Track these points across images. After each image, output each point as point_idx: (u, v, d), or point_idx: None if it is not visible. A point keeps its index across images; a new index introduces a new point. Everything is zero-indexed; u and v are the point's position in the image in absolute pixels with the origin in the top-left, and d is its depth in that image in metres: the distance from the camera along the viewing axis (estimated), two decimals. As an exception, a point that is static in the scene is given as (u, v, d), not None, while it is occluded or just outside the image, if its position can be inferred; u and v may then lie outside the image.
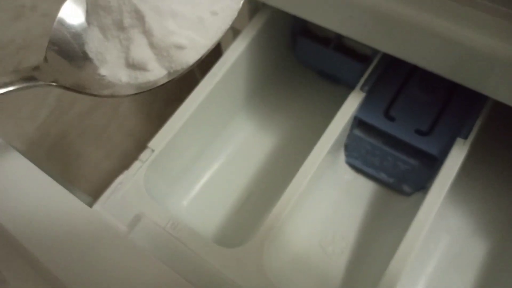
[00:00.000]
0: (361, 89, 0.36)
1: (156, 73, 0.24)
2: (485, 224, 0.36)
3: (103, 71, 0.24)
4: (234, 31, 0.45)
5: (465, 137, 0.33)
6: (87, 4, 0.24)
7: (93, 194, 0.35)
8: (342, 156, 0.40)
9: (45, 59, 0.23)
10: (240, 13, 0.42)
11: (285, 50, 0.48)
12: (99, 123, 0.56)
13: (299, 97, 0.47)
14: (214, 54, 0.49)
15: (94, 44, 0.24)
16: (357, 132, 0.37)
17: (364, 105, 0.36)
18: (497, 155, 0.38)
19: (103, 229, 0.26)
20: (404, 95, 0.37)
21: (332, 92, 0.46)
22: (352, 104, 0.36)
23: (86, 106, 0.53)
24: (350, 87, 0.38)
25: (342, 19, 0.33)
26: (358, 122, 0.37)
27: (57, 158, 0.53)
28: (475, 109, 0.34)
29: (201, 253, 0.31)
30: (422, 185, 0.37)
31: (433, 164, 0.35)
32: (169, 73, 0.24)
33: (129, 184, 0.34)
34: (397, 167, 0.37)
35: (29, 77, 0.22)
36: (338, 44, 0.43)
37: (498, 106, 0.32)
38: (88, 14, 0.24)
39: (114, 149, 0.61)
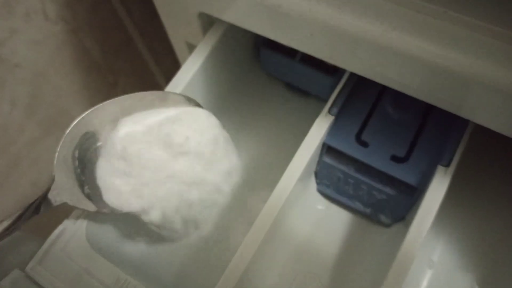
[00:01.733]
0: (329, 112, 0.32)
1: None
2: (470, 257, 0.32)
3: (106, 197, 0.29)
4: (189, 47, 0.41)
5: (447, 165, 0.29)
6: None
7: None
8: (313, 184, 0.36)
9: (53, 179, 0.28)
10: (193, 27, 0.37)
11: (250, 62, 0.44)
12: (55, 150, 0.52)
13: (267, 113, 0.43)
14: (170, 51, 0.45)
15: (102, 173, 0.29)
16: (327, 159, 0.33)
17: (333, 130, 0.32)
18: (481, 181, 0.35)
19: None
20: (377, 116, 0.33)
21: (303, 106, 0.42)
22: (319, 129, 0.32)
23: (38, 132, 0.48)
24: (321, 100, 0.34)
25: (303, 37, 0.29)
26: (327, 148, 0.33)
27: (8, 191, 0.49)
28: (456, 130, 0.30)
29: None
30: (401, 215, 0.33)
31: (412, 193, 0.31)
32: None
33: (69, 236, 0.30)
34: (372, 196, 0.33)
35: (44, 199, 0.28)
36: (306, 55, 0.38)
37: (480, 128, 0.28)
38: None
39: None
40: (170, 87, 0.35)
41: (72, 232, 0.30)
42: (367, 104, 0.33)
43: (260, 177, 0.39)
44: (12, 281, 0.29)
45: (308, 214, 0.35)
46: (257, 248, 0.29)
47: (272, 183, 0.31)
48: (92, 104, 0.56)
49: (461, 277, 0.32)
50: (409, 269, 0.27)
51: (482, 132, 0.31)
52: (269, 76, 0.44)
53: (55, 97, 0.49)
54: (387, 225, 0.34)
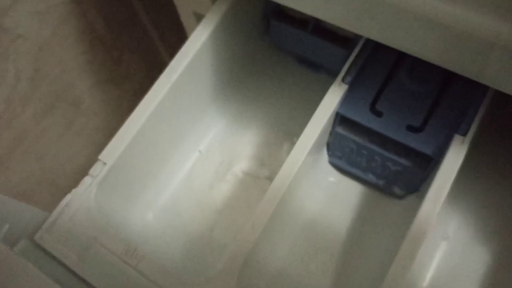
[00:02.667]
0: (343, 80, 0.31)
1: None
2: (486, 230, 0.32)
3: None
4: (197, 17, 0.40)
5: (464, 134, 0.28)
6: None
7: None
8: (324, 156, 0.35)
9: None
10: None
11: (259, 34, 0.42)
12: (59, 124, 0.51)
13: (277, 88, 0.42)
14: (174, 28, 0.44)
15: None
16: (340, 129, 0.32)
17: (347, 99, 0.31)
18: (498, 153, 0.34)
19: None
20: (392, 86, 0.32)
21: (313, 81, 0.41)
22: (332, 99, 0.31)
23: (41, 107, 0.48)
24: (332, 75, 0.33)
25: (318, 2, 0.28)
26: (340, 119, 0.32)
27: (13, 165, 0.48)
28: (474, 100, 0.29)
29: (162, 284, 0.27)
30: (415, 187, 0.32)
31: (427, 164, 0.30)
32: None
33: (78, 206, 0.29)
34: (386, 168, 0.32)
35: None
36: (317, 27, 0.37)
37: (500, 96, 0.27)
38: None
39: (79, 151, 0.56)
40: (177, 58, 0.34)
41: (80, 202, 0.29)
42: (381, 74, 0.32)
43: (268, 153, 0.38)
44: (22, 249, 0.28)
45: (319, 186, 0.35)
46: (267, 220, 0.28)
47: (282, 157, 0.30)
48: (97, 80, 0.55)
49: (476, 251, 0.31)
50: (423, 242, 0.26)
51: (500, 103, 0.30)
52: (279, 50, 0.43)
53: (59, 71, 0.48)
54: (400, 197, 0.33)
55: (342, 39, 0.37)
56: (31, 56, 0.44)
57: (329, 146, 0.34)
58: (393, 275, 0.26)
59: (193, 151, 0.39)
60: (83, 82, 0.52)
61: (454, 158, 0.28)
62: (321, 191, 0.34)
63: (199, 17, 0.39)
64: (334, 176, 0.35)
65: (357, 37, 0.34)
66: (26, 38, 0.42)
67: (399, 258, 0.26)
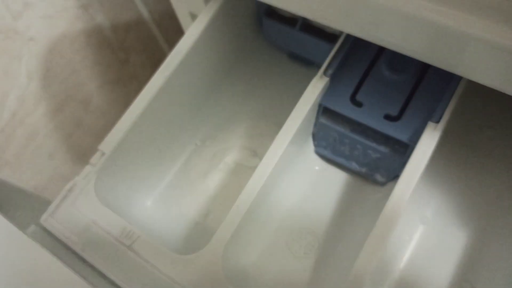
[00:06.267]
0: (324, 73, 0.33)
1: None
2: (462, 213, 0.33)
3: None
4: (192, 17, 0.42)
5: (437, 121, 0.30)
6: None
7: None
8: (311, 146, 0.37)
9: None
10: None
11: (252, 32, 0.45)
12: (69, 122, 0.54)
13: (269, 82, 0.44)
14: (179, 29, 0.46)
15: None
16: (323, 120, 0.34)
17: (329, 91, 0.33)
18: (473, 137, 0.35)
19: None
20: (371, 78, 0.34)
21: (304, 76, 0.43)
22: (314, 91, 0.33)
23: (52, 106, 0.51)
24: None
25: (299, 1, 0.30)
26: (323, 109, 0.34)
27: (26, 161, 0.51)
28: (448, 90, 0.31)
29: (155, 263, 0.29)
30: (395, 174, 0.34)
31: (405, 151, 0.32)
32: None
33: (78, 191, 0.32)
34: (367, 155, 0.34)
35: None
36: (305, 24, 0.39)
37: (472, 85, 0.29)
38: None
39: (89, 149, 0.59)
40: (174, 53, 0.36)
41: (81, 187, 0.32)
42: (362, 67, 0.34)
43: (260, 143, 0.40)
44: (32, 232, 0.31)
45: (305, 174, 0.36)
46: (252, 203, 0.30)
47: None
48: (105, 80, 0.58)
49: (454, 233, 0.33)
50: (396, 222, 0.28)
51: (473, 92, 0.32)
52: (271, 47, 0.45)
53: (69, 72, 0.51)
54: (382, 184, 0.35)
55: (329, 36, 0.39)
56: (42, 57, 0.47)
57: (314, 136, 0.36)
58: (366, 254, 0.27)
59: (189, 144, 0.41)
60: (91, 82, 0.55)
61: (427, 143, 0.29)
62: (307, 179, 0.36)
63: (194, 17, 0.41)
64: (319, 165, 0.37)
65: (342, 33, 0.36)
66: (38, 40, 0.46)
67: (372, 238, 0.28)
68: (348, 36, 0.34)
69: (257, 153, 0.40)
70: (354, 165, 0.35)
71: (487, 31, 0.23)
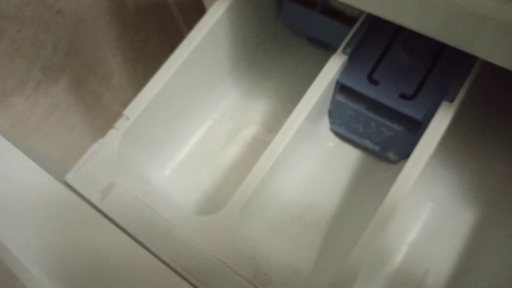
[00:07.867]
0: (343, 52, 0.34)
1: None
2: (471, 191, 0.34)
3: None
4: (216, -4, 0.43)
5: (451, 100, 0.31)
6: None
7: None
8: (326, 123, 0.38)
9: None
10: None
11: (272, 14, 0.46)
12: (89, 97, 0.56)
13: (288, 64, 0.45)
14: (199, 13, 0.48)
15: None
16: (340, 97, 0.35)
17: (346, 69, 0.34)
18: (486, 119, 0.36)
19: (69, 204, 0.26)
20: (388, 58, 0.35)
21: (322, 58, 0.44)
22: (332, 68, 0.34)
23: (74, 79, 0.52)
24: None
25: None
26: (340, 87, 0.35)
27: (46, 132, 0.53)
28: (463, 70, 0.32)
29: (172, 221, 0.31)
30: (408, 152, 0.35)
31: (418, 129, 0.33)
32: None
33: (102, 153, 0.33)
34: (381, 133, 0.35)
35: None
36: (325, 7, 0.41)
37: (488, 66, 0.29)
38: None
39: (106, 124, 0.60)
40: (195, 31, 0.37)
41: (104, 150, 0.33)
42: (379, 48, 0.35)
43: (276, 120, 0.42)
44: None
45: (319, 150, 0.38)
46: (265, 174, 0.31)
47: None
48: (125, 58, 0.60)
49: (463, 211, 0.34)
50: (403, 198, 0.29)
51: (488, 75, 0.33)
52: (291, 31, 0.46)
53: (92, 47, 0.53)
54: (394, 162, 0.36)
55: (348, 19, 0.40)
56: (68, 30, 0.49)
57: (330, 114, 0.37)
58: (372, 229, 0.28)
59: (207, 118, 0.43)
60: (114, 58, 0.57)
61: (440, 122, 0.30)
62: (321, 155, 0.37)
63: (217, -3, 0.43)
64: (333, 142, 0.38)
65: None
66: (64, 13, 0.47)
67: (380, 213, 0.29)
68: (367, 18, 0.35)
69: (271, 129, 0.41)
70: (367, 143, 0.36)
71: (503, 11, 0.24)
